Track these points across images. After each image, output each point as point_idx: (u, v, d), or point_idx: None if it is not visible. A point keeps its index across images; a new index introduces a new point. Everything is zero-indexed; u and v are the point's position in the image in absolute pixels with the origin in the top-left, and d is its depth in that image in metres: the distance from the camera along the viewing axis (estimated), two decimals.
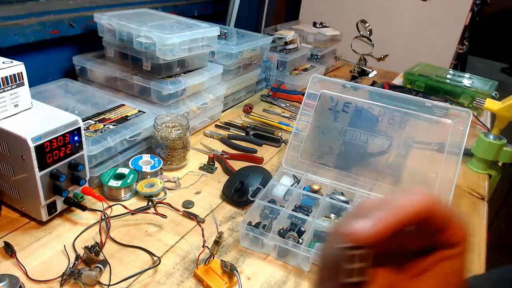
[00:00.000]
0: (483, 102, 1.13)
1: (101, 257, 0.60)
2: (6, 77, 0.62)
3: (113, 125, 0.81)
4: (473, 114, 1.01)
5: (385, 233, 0.21)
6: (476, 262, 0.70)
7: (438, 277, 0.23)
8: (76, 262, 0.59)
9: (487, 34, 3.49)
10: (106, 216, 0.69)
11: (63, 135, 0.64)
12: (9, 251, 0.61)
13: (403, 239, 0.24)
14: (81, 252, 0.61)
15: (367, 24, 1.49)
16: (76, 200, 0.69)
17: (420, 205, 0.22)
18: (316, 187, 0.79)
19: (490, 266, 0.64)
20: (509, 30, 3.65)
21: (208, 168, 0.89)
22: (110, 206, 0.70)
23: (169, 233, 0.69)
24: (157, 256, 0.63)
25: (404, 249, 0.24)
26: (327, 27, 1.69)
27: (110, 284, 0.57)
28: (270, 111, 1.23)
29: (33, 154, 0.60)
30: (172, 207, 0.73)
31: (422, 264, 0.24)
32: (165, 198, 0.78)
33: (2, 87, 0.62)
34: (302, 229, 0.68)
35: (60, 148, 0.64)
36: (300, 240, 0.66)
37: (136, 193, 0.78)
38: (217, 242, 0.62)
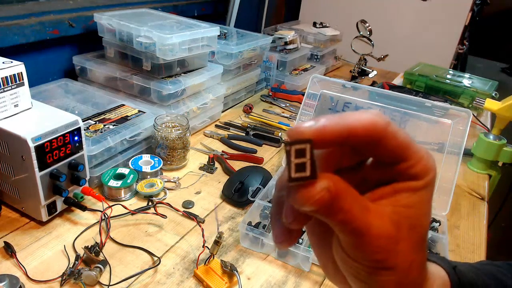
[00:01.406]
0: (483, 102, 1.13)
1: (101, 257, 0.60)
2: (6, 77, 0.62)
3: (113, 125, 0.81)
4: (473, 114, 1.01)
5: (327, 132, 0.21)
6: None
7: (395, 205, 0.23)
8: (76, 262, 0.59)
9: (487, 34, 3.49)
10: (106, 216, 0.69)
11: (63, 135, 0.64)
12: (9, 251, 0.61)
13: (364, 172, 0.24)
14: (81, 252, 0.61)
15: (367, 24, 1.49)
16: (76, 200, 0.69)
17: (370, 120, 0.21)
18: None
19: None
20: (509, 30, 3.65)
21: (208, 168, 0.89)
22: (110, 206, 0.70)
23: (169, 233, 0.69)
24: (157, 256, 0.63)
25: (366, 183, 0.24)
26: (327, 27, 1.69)
27: (110, 284, 0.57)
28: (270, 111, 1.23)
29: (33, 154, 0.60)
30: (172, 207, 0.73)
31: (381, 191, 0.23)
32: (165, 198, 0.78)
33: (2, 87, 0.62)
34: (302, 229, 0.68)
35: (60, 148, 0.64)
36: (300, 240, 0.66)
37: (136, 193, 0.78)
38: (217, 242, 0.62)
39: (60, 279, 0.57)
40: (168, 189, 0.80)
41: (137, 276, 0.59)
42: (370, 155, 0.23)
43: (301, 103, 0.88)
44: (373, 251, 0.22)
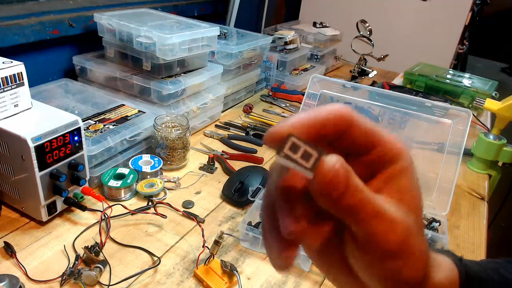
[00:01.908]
0: (483, 102, 1.13)
1: (101, 257, 0.60)
2: (6, 77, 0.63)
3: (113, 125, 0.81)
4: (473, 114, 1.01)
5: (301, 125, 0.22)
6: None
7: (394, 193, 0.23)
8: (76, 262, 0.59)
9: (487, 34, 3.49)
10: (106, 216, 0.69)
11: (63, 135, 0.64)
12: (9, 251, 0.61)
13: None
14: (81, 252, 0.61)
15: (367, 24, 1.49)
16: (76, 200, 0.69)
17: (337, 109, 0.22)
18: None
19: None
20: (509, 30, 3.65)
21: (208, 168, 0.89)
22: (110, 206, 0.70)
23: (169, 233, 0.69)
24: (157, 256, 0.63)
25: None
26: (327, 27, 1.69)
27: (110, 284, 0.57)
28: (270, 111, 1.23)
29: (33, 154, 0.60)
30: (172, 207, 0.73)
31: (372, 185, 0.24)
32: (165, 198, 0.78)
33: (2, 87, 0.62)
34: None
35: (60, 148, 0.64)
36: None
37: (136, 193, 0.78)
38: (217, 242, 0.62)
39: (60, 279, 0.57)
40: (168, 189, 0.80)
41: (137, 276, 0.59)
42: (345, 146, 0.24)
43: (301, 103, 0.88)
44: (391, 241, 0.22)
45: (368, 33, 1.49)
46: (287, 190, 0.23)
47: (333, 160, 0.20)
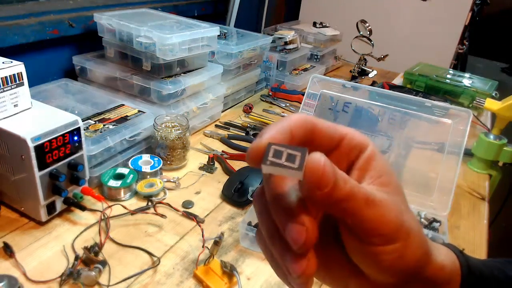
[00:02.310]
0: (483, 102, 1.13)
1: (100, 257, 0.60)
2: (6, 77, 0.62)
3: (113, 125, 0.80)
4: (473, 114, 1.00)
5: (275, 136, 0.23)
6: None
7: (373, 179, 0.25)
8: (76, 263, 0.59)
9: (487, 34, 3.49)
10: (106, 216, 0.69)
11: (63, 135, 0.64)
12: (8, 251, 0.60)
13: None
14: (80, 252, 0.61)
15: (367, 24, 1.49)
16: (76, 200, 0.69)
17: (299, 115, 0.24)
18: None
19: None
20: (509, 30, 3.65)
21: (208, 168, 0.89)
22: (109, 206, 0.70)
23: (168, 233, 0.69)
24: (156, 256, 0.63)
25: None
26: (327, 27, 1.69)
27: (110, 284, 0.57)
28: (270, 111, 1.22)
29: (33, 154, 0.60)
30: (172, 207, 0.73)
31: (353, 176, 0.25)
32: (164, 198, 0.78)
33: (2, 87, 0.62)
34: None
35: (59, 148, 0.64)
36: None
37: (135, 193, 0.78)
38: (217, 242, 0.62)
39: (59, 279, 0.57)
40: (168, 189, 0.80)
41: (136, 276, 0.59)
42: (315, 146, 0.25)
43: (301, 103, 0.88)
44: (388, 224, 0.22)
45: (368, 33, 1.49)
46: (283, 199, 0.23)
47: (317, 155, 0.21)
